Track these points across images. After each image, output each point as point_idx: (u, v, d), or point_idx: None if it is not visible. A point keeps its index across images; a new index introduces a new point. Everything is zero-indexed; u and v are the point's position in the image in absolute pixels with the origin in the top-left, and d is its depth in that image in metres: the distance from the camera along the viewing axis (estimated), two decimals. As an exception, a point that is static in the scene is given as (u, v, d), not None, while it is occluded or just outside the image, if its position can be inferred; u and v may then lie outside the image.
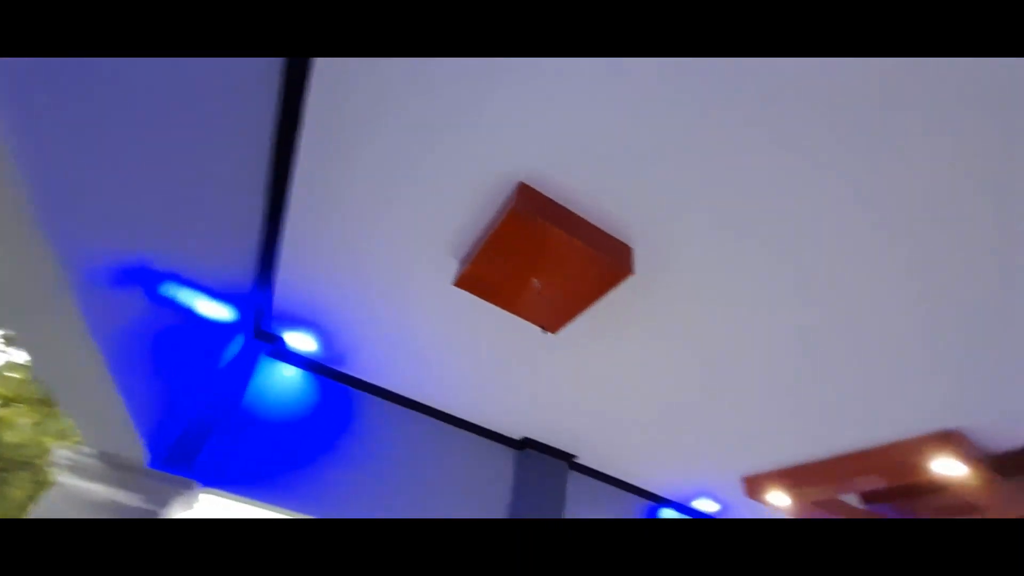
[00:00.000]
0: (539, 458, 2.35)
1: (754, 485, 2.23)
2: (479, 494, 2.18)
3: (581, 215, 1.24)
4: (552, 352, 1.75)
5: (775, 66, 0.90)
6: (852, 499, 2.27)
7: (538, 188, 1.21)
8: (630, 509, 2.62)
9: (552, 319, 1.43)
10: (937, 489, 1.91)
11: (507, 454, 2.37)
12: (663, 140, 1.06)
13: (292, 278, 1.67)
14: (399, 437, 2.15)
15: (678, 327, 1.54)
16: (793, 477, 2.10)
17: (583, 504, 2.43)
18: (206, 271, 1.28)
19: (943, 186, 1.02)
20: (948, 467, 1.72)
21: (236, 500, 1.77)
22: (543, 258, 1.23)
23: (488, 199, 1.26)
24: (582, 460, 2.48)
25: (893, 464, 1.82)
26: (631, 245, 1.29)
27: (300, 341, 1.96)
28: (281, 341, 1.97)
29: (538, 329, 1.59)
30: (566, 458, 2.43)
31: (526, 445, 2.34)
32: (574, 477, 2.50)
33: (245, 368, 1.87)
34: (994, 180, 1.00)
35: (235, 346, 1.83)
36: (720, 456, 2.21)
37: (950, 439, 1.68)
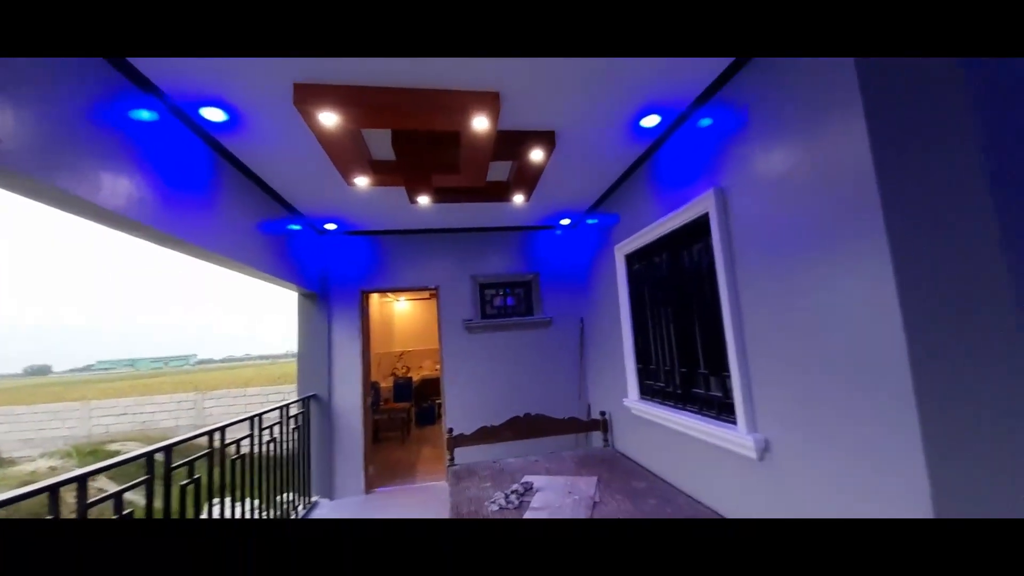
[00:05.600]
0: None
1: (306, 94, 1.88)
2: None
3: None
4: None
5: None
6: (386, 144, 2.44)
7: None
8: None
9: None
10: (456, 144, 2.34)
11: None
12: None
13: None
14: None
15: None
16: (349, 96, 1.92)
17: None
18: None
19: None
20: (480, 124, 2.11)
21: None
22: None
23: None
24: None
25: (442, 108, 2.01)
26: None
27: None
28: None
29: None
30: None
31: None
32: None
33: None
34: None
35: None
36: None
37: (491, 100, 2.02)
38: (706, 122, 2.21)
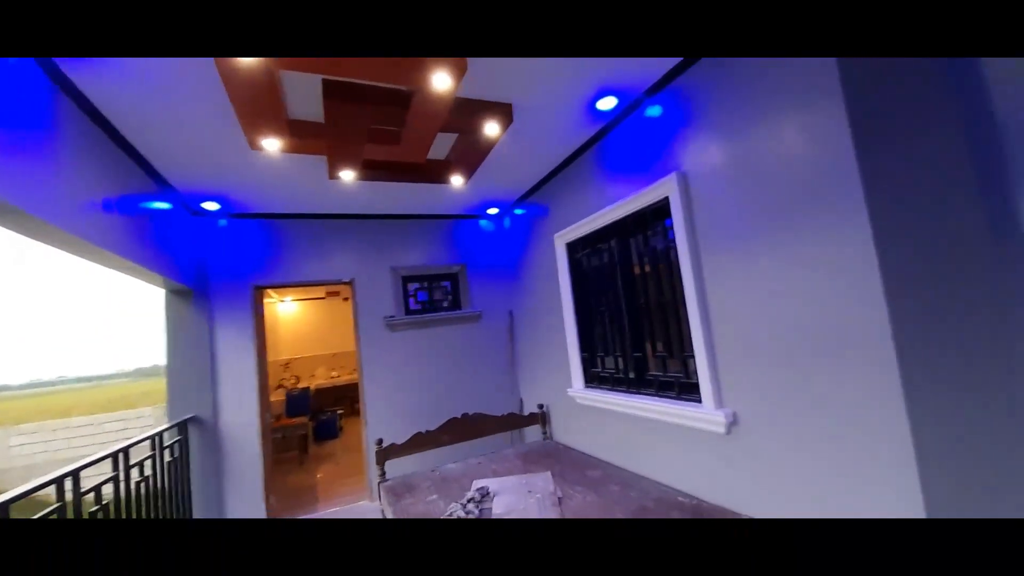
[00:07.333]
0: None
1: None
2: None
3: None
4: None
5: None
6: (306, 102, 1.98)
7: None
8: None
9: None
10: (403, 107, 2.00)
11: None
12: None
13: None
14: None
15: None
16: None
17: None
18: None
19: None
20: (441, 83, 1.82)
21: None
22: None
23: None
24: None
25: (400, 67, 1.71)
26: None
27: None
28: None
29: None
30: None
31: None
32: None
33: None
34: None
35: None
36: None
37: (458, 62, 1.76)
38: (658, 110, 2.24)
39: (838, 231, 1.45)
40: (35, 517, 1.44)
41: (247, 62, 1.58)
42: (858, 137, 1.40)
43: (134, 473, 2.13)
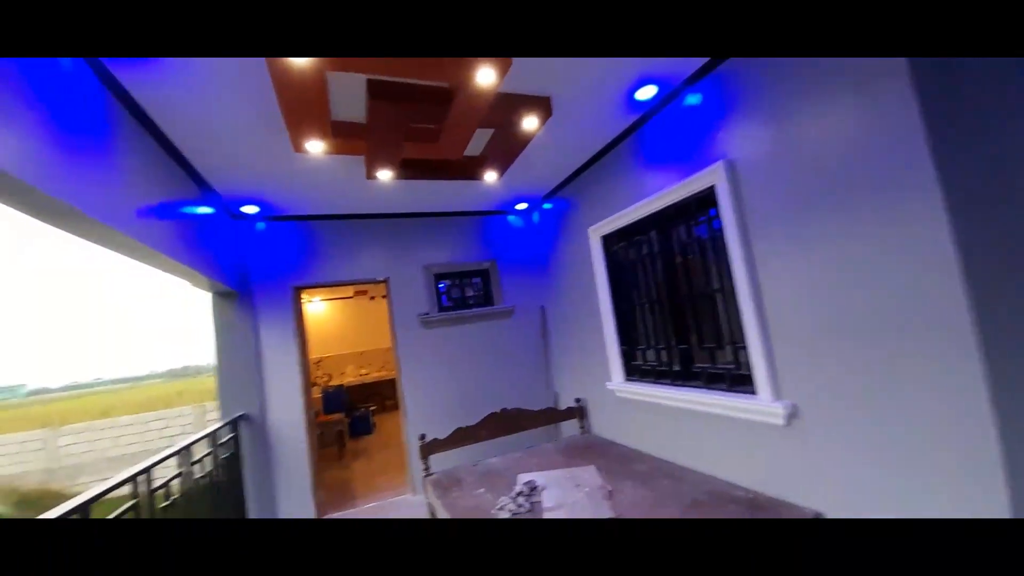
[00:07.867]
0: None
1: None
2: None
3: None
4: None
5: None
6: (346, 102, 2.00)
7: None
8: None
9: None
10: (443, 104, 2.00)
11: None
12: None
13: None
14: None
15: None
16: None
17: None
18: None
19: None
20: (485, 78, 1.82)
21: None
22: None
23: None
24: None
25: (444, 64, 1.71)
26: None
27: None
28: None
29: None
30: None
31: None
32: None
33: None
34: None
35: None
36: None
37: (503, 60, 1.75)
38: (699, 98, 2.18)
39: (906, 215, 1.39)
40: (113, 515, 1.51)
41: (299, 65, 1.60)
42: (928, 115, 1.33)
43: (196, 469, 2.22)
